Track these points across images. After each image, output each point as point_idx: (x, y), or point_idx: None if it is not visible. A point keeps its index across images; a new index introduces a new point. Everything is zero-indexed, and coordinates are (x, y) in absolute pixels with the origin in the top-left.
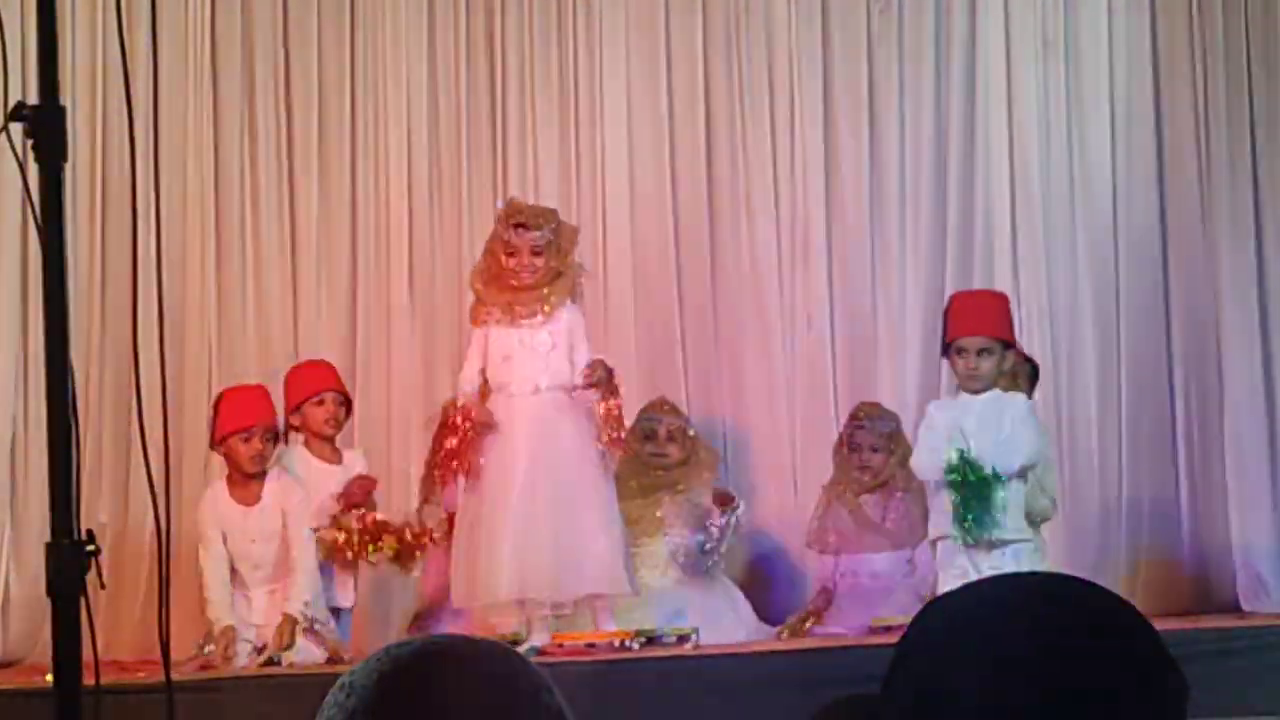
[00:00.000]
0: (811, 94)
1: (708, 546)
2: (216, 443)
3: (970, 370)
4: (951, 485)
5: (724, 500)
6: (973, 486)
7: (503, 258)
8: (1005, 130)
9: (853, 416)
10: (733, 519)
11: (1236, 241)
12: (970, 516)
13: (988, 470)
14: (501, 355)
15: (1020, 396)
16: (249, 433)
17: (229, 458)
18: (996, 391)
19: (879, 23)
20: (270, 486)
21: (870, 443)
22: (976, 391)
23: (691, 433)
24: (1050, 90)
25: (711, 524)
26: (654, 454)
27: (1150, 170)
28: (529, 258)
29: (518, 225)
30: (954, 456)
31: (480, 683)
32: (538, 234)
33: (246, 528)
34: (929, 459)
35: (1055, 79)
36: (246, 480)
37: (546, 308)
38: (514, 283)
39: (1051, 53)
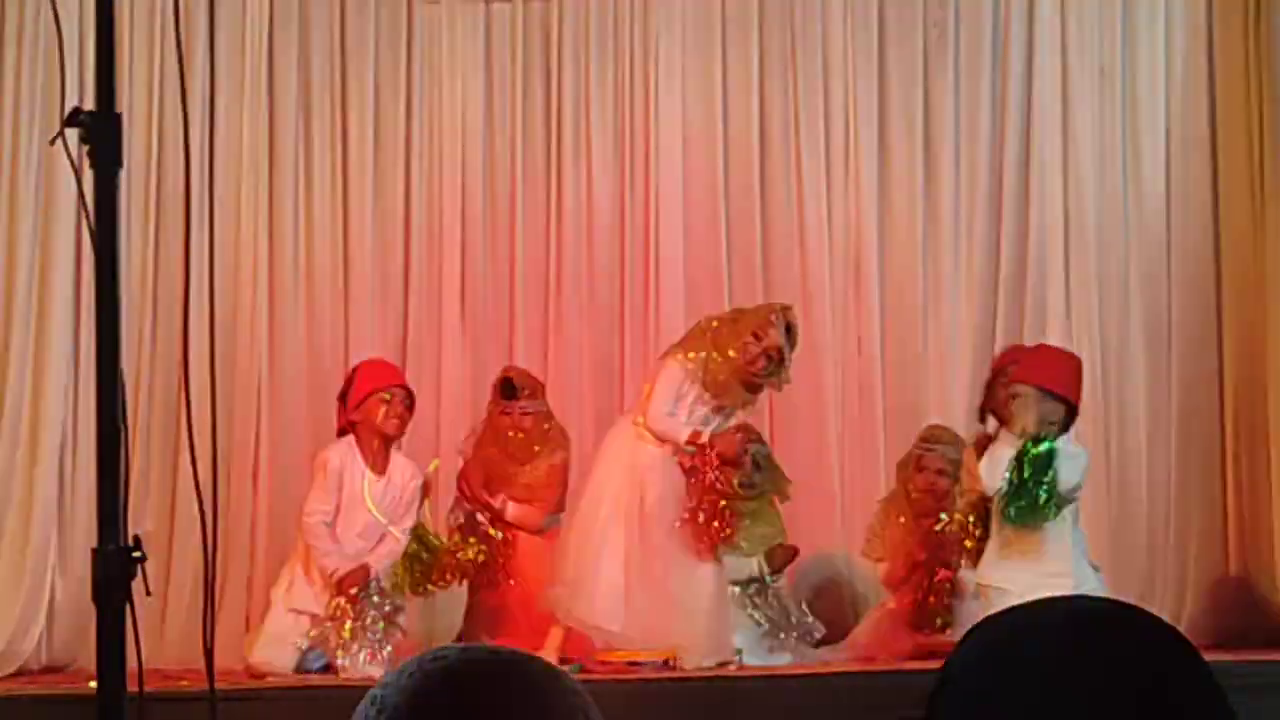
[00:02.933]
0: (866, 119)
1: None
2: (355, 405)
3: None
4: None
5: (782, 561)
6: (1035, 458)
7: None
8: (1060, 158)
9: (922, 438)
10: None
11: None
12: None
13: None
14: None
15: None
16: (390, 392)
17: (365, 422)
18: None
19: (935, 48)
20: (397, 459)
21: (939, 466)
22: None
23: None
24: (1106, 119)
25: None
26: (742, 483)
27: (1205, 200)
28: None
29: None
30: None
31: (514, 702)
32: None
33: (371, 494)
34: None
35: (1111, 108)
36: (378, 451)
37: None
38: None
39: (1108, 82)
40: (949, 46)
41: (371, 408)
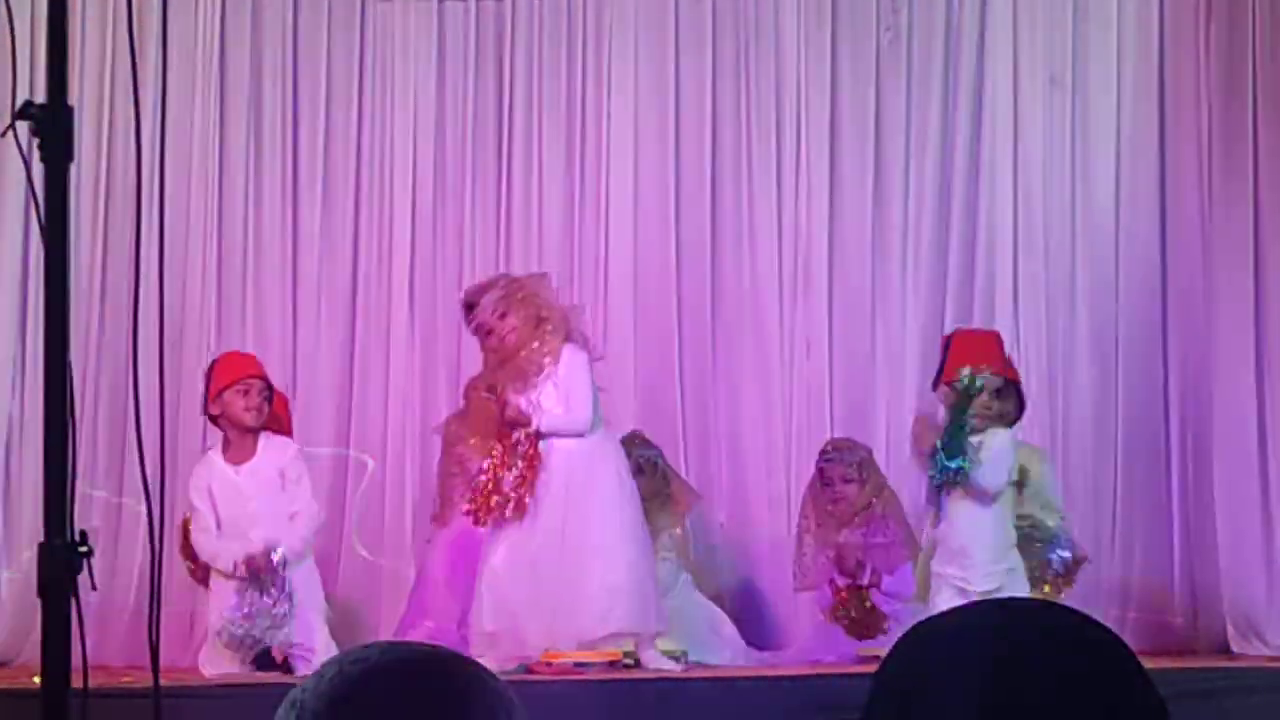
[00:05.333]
0: (818, 123)
1: None
2: (212, 400)
3: (988, 409)
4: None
5: None
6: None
7: (483, 343)
8: (1010, 163)
9: (822, 452)
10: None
11: (1235, 280)
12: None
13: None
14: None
15: (1003, 432)
16: (245, 384)
17: (225, 415)
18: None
19: (887, 52)
20: (263, 443)
21: (841, 474)
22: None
23: (659, 466)
24: (1055, 125)
25: None
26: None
27: (1153, 207)
28: (497, 323)
29: (467, 308)
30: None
31: (437, 704)
32: (492, 300)
33: (240, 485)
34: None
35: (1061, 114)
36: (242, 438)
37: (547, 359)
38: (501, 355)
39: (1058, 88)
40: (901, 51)
41: (229, 401)
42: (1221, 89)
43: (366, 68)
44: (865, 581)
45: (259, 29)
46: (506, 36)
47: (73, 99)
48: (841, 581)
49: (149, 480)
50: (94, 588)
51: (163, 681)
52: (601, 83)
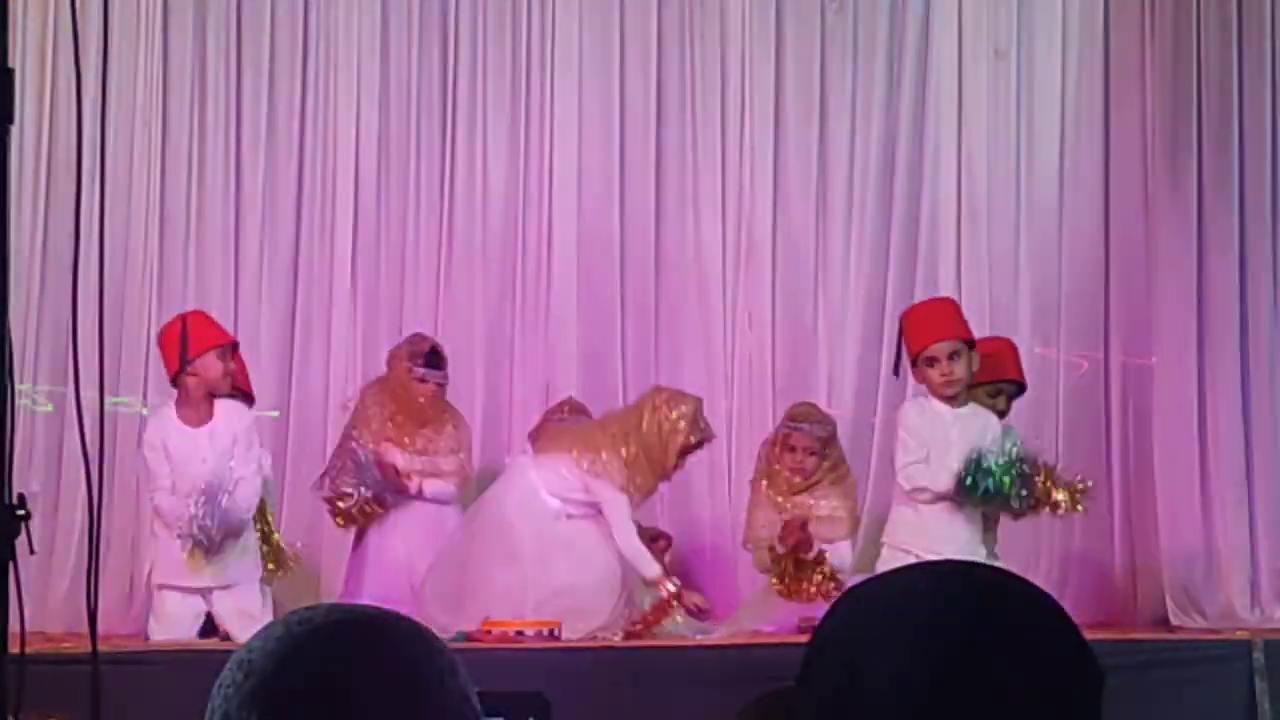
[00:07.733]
0: (762, 94)
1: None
2: (190, 359)
3: (946, 376)
4: (970, 496)
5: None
6: (989, 498)
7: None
8: (954, 137)
9: (790, 417)
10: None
11: (1178, 255)
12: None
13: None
14: None
15: (993, 416)
16: (223, 350)
17: (198, 376)
18: (974, 406)
19: (832, 24)
20: (220, 406)
21: (806, 445)
22: (953, 398)
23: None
24: (1000, 98)
25: None
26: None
27: (1097, 181)
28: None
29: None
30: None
31: (384, 664)
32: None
33: (197, 448)
34: (942, 474)
35: (1005, 87)
36: (202, 401)
37: None
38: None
39: (1003, 61)
40: (846, 22)
41: (209, 364)
42: (1166, 64)
43: (311, 34)
44: (811, 557)
45: (203, 2)
46: (451, 4)
47: (13, 62)
48: (781, 549)
49: (88, 444)
50: (32, 551)
51: (102, 648)
52: (545, 52)
